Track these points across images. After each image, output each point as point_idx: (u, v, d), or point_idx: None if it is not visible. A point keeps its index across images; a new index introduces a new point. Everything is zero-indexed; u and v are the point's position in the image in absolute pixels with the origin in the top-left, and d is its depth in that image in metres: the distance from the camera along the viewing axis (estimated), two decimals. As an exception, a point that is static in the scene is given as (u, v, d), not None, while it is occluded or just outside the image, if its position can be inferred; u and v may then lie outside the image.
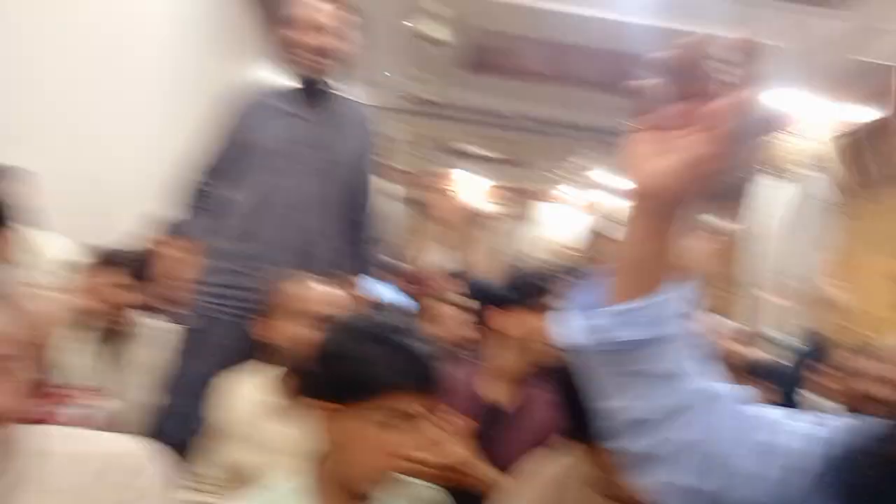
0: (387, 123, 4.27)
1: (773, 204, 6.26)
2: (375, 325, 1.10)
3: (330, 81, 2.30)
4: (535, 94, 6.72)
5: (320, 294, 1.76)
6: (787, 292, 5.50)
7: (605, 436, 0.72)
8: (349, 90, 2.44)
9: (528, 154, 9.87)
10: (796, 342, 4.78)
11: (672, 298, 0.66)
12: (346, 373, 1.03)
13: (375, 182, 2.41)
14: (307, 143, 2.23)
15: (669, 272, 0.66)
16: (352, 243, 2.29)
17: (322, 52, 2.22)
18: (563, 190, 12.79)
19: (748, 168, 6.42)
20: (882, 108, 5.07)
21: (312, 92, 2.28)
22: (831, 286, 5.05)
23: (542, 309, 1.64)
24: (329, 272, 1.96)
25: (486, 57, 6.08)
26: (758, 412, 0.68)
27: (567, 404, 1.20)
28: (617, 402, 0.68)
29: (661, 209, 0.64)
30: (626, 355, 0.65)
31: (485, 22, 5.11)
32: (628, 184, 0.66)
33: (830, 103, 5.74)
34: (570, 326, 0.69)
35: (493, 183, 12.27)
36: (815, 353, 4.11)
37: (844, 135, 5.47)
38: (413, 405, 1.02)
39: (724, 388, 0.69)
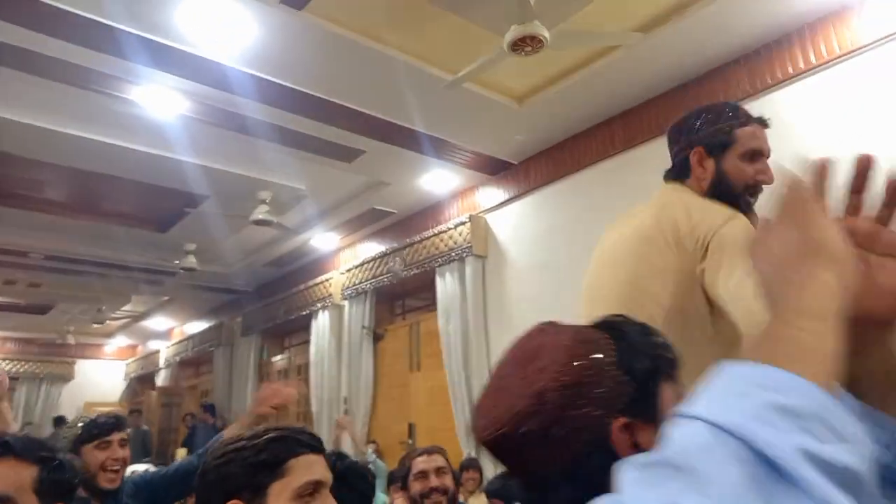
0: None
1: (322, 333, 6.74)
2: None
3: None
4: (59, 228, 5.99)
5: None
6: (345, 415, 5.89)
7: None
8: None
9: (57, 299, 8.63)
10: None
11: None
12: None
13: None
14: None
15: None
16: None
17: None
18: (105, 339, 11.51)
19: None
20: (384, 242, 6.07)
21: None
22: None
23: None
24: None
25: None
26: None
27: None
28: None
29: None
30: None
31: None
32: None
33: (348, 240, 6.65)
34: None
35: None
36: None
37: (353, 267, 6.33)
38: None
39: None
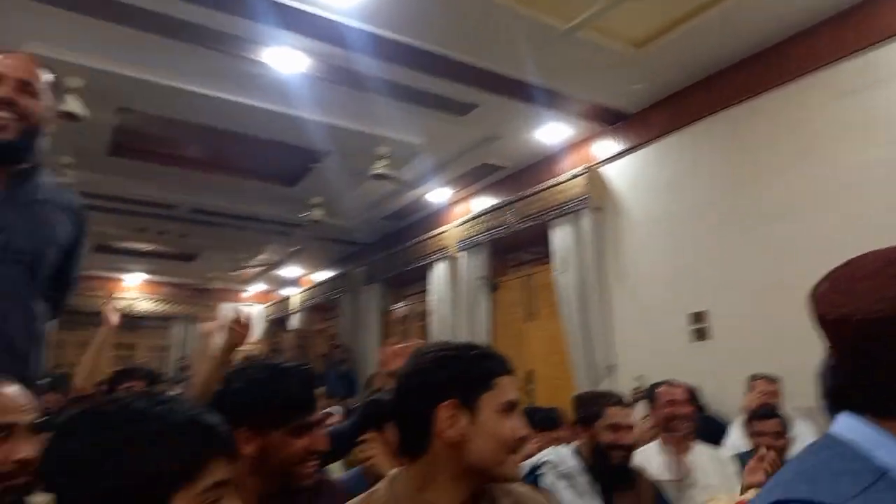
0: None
1: (439, 283, 6.96)
2: None
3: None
4: (202, 184, 6.52)
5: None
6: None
7: None
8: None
9: (202, 248, 9.45)
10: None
11: None
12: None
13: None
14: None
15: None
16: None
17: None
18: (243, 285, 12.48)
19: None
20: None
21: None
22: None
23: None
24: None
25: (142, 142, 5.74)
26: None
27: None
28: None
29: None
30: None
31: (140, 104, 4.84)
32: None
33: (462, 193, 6.73)
34: None
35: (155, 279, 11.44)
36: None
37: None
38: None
39: None
